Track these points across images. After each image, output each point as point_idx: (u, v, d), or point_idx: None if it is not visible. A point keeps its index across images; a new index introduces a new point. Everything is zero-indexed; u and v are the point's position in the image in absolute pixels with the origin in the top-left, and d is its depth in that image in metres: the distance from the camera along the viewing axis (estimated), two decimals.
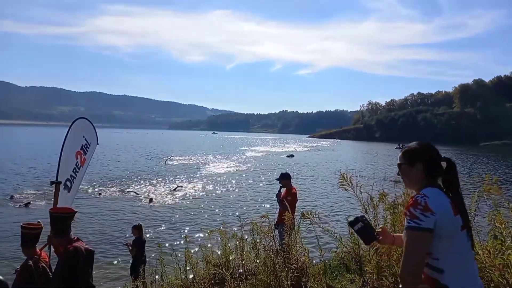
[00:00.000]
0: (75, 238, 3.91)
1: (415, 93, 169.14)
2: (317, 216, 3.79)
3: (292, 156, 51.35)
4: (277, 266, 3.82)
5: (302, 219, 3.95)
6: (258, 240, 4.29)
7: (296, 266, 3.91)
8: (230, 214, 15.20)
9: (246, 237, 5.37)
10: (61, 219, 3.85)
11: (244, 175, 28.48)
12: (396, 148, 77.04)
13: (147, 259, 7.23)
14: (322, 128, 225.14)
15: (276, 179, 6.61)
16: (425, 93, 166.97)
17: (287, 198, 6.01)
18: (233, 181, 24.86)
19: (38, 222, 4.55)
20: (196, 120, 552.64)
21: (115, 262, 9.54)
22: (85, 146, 7.61)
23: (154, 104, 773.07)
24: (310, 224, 3.88)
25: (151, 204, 16.98)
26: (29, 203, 15.85)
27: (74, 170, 7.18)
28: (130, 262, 7.23)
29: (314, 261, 4.81)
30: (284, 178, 6.66)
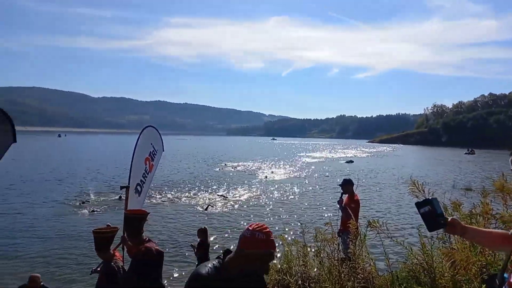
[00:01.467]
0: (147, 239, 4.15)
1: (486, 94, 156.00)
2: (385, 225, 3.64)
3: (351, 162, 49.96)
4: (342, 275, 3.73)
5: (369, 228, 3.82)
6: (322, 248, 4.22)
7: (362, 275, 3.79)
8: (290, 220, 15.14)
9: (309, 244, 5.31)
10: (135, 220, 4.11)
11: (301, 182, 28.24)
12: (465, 153, 71.62)
13: None
14: (383, 132, 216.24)
15: (339, 185, 6.45)
16: (497, 94, 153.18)
17: (351, 205, 5.84)
18: (291, 188, 24.75)
19: (108, 225, 4.85)
20: (253, 126, 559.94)
21: (180, 264, 9.93)
22: (153, 152, 8.07)
23: (213, 111, 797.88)
24: (377, 233, 3.74)
25: (209, 209, 17.43)
26: (99, 207, 17.03)
27: (144, 175, 7.64)
28: (196, 264, 7.48)
29: (380, 272, 4.62)
30: (347, 184, 6.48)
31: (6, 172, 25.03)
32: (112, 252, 4.48)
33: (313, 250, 4.88)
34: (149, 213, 4.55)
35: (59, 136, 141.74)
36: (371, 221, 3.73)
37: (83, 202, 17.76)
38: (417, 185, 3.53)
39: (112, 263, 4.31)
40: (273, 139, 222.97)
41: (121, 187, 5.92)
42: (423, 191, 3.51)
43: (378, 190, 24.13)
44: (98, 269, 4.65)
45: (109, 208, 16.66)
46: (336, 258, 4.03)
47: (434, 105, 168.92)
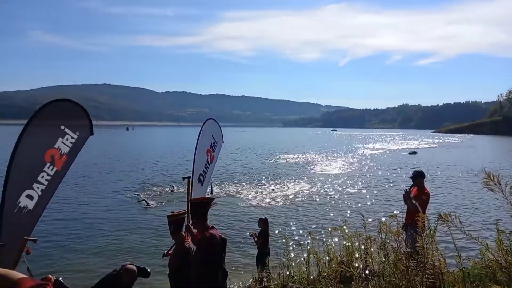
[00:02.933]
0: (211, 226, 4.34)
1: None
2: (457, 218, 3.43)
3: (414, 153, 47.40)
4: (409, 269, 3.59)
5: (439, 221, 3.62)
6: (386, 241, 4.09)
7: (431, 271, 3.62)
8: (350, 212, 14.83)
9: (372, 236, 5.17)
10: (201, 205, 4.31)
11: (360, 174, 27.43)
12: None
13: (271, 252, 7.54)
14: (450, 122, 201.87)
15: (410, 177, 6.15)
16: None
17: (422, 198, 5.56)
18: (350, 180, 24.15)
19: (173, 212, 5.16)
20: (310, 117, 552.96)
21: (240, 252, 10.19)
22: (214, 144, 8.36)
23: (269, 103, 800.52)
24: (448, 227, 3.53)
25: (261, 201, 17.59)
26: (156, 200, 17.81)
27: (205, 166, 7.96)
28: (256, 254, 7.63)
29: (450, 269, 4.38)
30: (419, 177, 6.17)
31: (80, 162, 27.21)
32: (184, 234, 4.75)
33: (376, 243, 4.73)
34: (214, 198, 4.74)
35: (127, 129, 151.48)
36: (442, 214, 3.53)
37: (141, 195, 17.91)
38: (492, 177, 3.26)
39: (186, 245, 4.57)
40: (334, 130, 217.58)
41: (183, 178, 6.21)
42: (499, 183, 3.24)
43: (447, 183, 22.67)
44: (170, 251, 4.97)
45: (166, 200, 16.87)
46: (402, 252, 3.88)
47: (510, 91, 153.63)
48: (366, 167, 31.70)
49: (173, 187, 19.61)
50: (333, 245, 6.19)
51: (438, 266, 3.89)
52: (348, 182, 23.15)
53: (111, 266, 7.86)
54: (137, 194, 18.08)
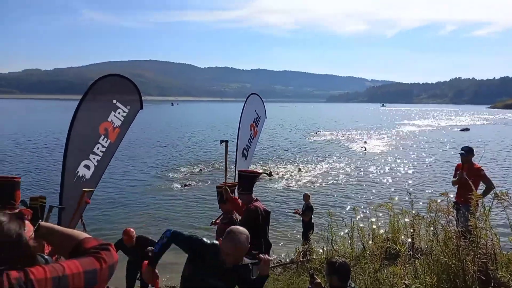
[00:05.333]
0: (255, 198, 4.42)
1: None
2: None
3: (467, 129, 44.72)
4: (460, 248, 3.46)
5: (495, 199, 3.44)
6: (436, 219, 3.96)
7: (483, 251, 3.47)
8: (396, 190, 14.42)
9: (420, 214, 5.03)
10: (249, 177, 4.40)
11: (408, 151, 26.43)
12: None
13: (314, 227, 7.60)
14: (507, 97, 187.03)
15: (460, 153, 5.83)
16: None
17: (472, 175, 5.28)
18: (396, 158, 23.37)
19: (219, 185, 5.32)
20: (354, 92, 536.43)
21: (284, 226, 10.35)
22: (257, 119, 8.40)
23: (312, 77, 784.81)
24: (504, 206, 3.35)
25: (309, 177, 17.53)
26: (193, 178, 18.22)
27: (249, 140, 8.05)
28: (302, 229, 7.70)
29: (504, 250, 4.17)
30: (469, 153, 5.83)
31: (126, 135, 28.35)
32: (225, 188, 4.89)
33: (424, 221, 4.60)
34: (261, 173, 4.83)
35: (172, 104, 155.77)
36: (499, 192, 3.34)
37: (179, 171, 17.72)
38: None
39: (232, 215, 4.72)
40: (383, 105, 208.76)
41: (221, 141, 6.33)
42: None
43: (502, 161, 21.32)
44: (217, 220, 5.18)
45: (201, 178, 16.54)
46: (453, 231, 3.75)
47: None
48: (414, 144, 30.48)
49: (203, 167, 19.14)
50: (378, 221, 6.10)
51: (491, 247, 3.73)
52: (394, 159, 22.44)
53: None
54: (175, 170, 18.12)
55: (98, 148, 5.04)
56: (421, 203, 9.28)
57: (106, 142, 5.10)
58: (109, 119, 5.16)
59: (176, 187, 14.88)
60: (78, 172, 4.90)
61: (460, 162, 5.87)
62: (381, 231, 6.04)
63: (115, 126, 5.21)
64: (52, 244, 1.47)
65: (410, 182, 16.28)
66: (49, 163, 19.02)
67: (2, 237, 1.17)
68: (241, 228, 2.60)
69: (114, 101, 5.24)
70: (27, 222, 1.30)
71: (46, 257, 1.62)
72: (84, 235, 1.40)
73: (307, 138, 34.26)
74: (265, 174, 15.95)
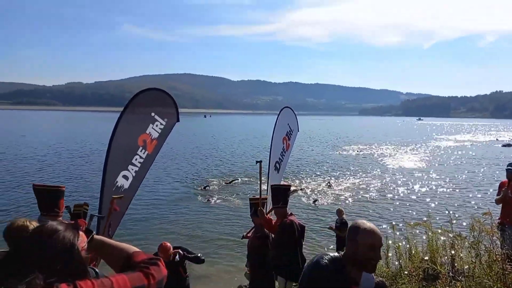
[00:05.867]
0: (290, 212, 4.40)
1: None
2: None
3: (509, 145, 42.46)
4: (505, 272, 3.27)
5: None
6: (479, 240, 3.76)
7: None
8: (434, 208, 13.81)
9: (460, 234, 4.80)
10: (282, 190, 4.40)
11: (447, 168, 25.43)
12: None
13: None
14: None
15: (506, 169, 5.47)
16: None
17: None
18: (434, 174, 22.53)
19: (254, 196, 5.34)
20: (388, 106, 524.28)
21: (317, 241, 10.18)
22: (289, 132, 8.40)
23: (344, 90, 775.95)
24: None
25: (343, 191, 17.20)
26: (236, 181, 18.33)
27: (281, 154, 8.04)
28: (335, 243, 7.55)
29: None
30: None
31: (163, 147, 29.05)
32: (260, 209, 4.90)
33: (466, 241, 4.39)
34: (290, 185, 4.81)
35: (205, 116, 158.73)
36: None
37: (206, 187, 17.29)
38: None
39: (264, 229, 4.72)
40: (419, 119, 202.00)
41: (256, 162, 6.37)
42: None
43: None
44: (249, 234, 5.19)
45: (230, 192, 16.33)
46: (498, 253, 3.55)
47: None
48: (452, 160, 29.27)
49: (238, 179, 19.17)
50: (415, 240, 5.87)
51: None
52: (431, 175, 21.59)
53: None
54: (205, 183, 18.02)
55: (136, 159, 5.19)
56: (461, 222, 8.86)
57: (144, 153, 5.26)
58: (147, 131, 5.32)
59: (207, 199, 14.97)
60: (117, 182, 5.06)
61: (506, 179, 5.55)
62: (419, 250, 5.81)
63: (152, 138, 5.37)
64: (104, 257, 1.47)
65: (449, 199, 15.59)
66: (88, 172, 19.83)
67: (57, 246, 1.18)
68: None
69: (153, 114, 5.41)
70: (81, 233, 1.31)
71: (96, 270, 1.66)
72: (133, 248, 1.41)
73: (339, 152, 33.74)
74: (296, 191, 15.79)
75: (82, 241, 1.28)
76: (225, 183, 18.19)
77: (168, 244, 5.29)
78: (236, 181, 18.64)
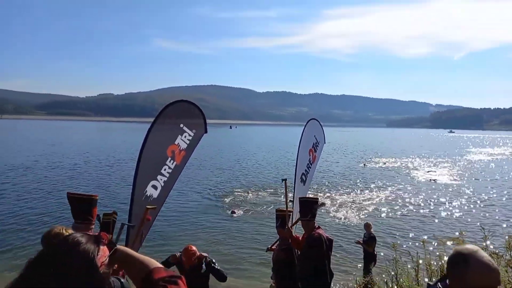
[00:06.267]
0: (318, 226, 4.35)
1: None
2: None
3: None
4: None
5: None
6: None
7: None
8: (467, 225, 13.28)
9: (497, 252, 4.59)
10: (310, 203, 4.36)
11: (479, 182, 24.45)
12: None
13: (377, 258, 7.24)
14: None
15: None
16: None
17: None
18: (466, 188, 21.71)
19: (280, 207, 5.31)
20: (417, 117, 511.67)
21: (344, 255, 9.96)
22: (316, 144, 8.32)
23: (371, 102, 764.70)
24: None
25: (369, 205, 16.83)
26: (255, 194, 18.34)
27: (308, 166, 7.97)
28: (363, 258, 7.37)
29: None
30: None
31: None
32: (288, 229, 4.87)
33: (503, 259, 4.19)
34: (318, 198, 4.77)
35: (230, 127, 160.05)
36: None
37: (229, 198, 17.22)
38: None
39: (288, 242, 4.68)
40: (451, 131, 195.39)
41: (282, 180, 6.34)
42: None
43: None
44: (273, 247, 5.15)
45: (254, 206, 16.00)
46: None
47: None
48: (486, 174, 28.12)
49: (259, 191, 18.96)
50: (447, 257, 5.66)
51: None
52: (464, 190, 20.78)
53: None
54: (228, 194, 17.94)
55: (165, 170, 5.29)
56: (496, 240, 8.45)
57: (172, 164, 5.35)
58: (176, 142, 5.43)
59: (231, 211, 14.89)
60: (146, 191, 5.16)
61: None
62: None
63: (181, 149, 5.47)
64: (126, 269, 1.44)
65: (483, 215, 14.95)
66: (117, 181, 20.36)
67: (75, 260, 1.15)
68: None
69: (181, 125, 5.52)
70: (102, 247, 1.26)
71: (121, 280, 1.65)
72: (155, 264, 1.37)
73: (365, 164, 33.10)
74: (324, 204, 15.49)
75: (102, 255, 1.23)
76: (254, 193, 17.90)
77: (194, 247, 4.89)
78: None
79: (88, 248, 1.18)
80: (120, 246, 1.42)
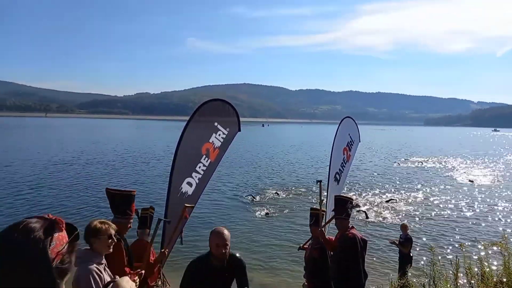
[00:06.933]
0: (352, 226, 4.30)
1: None
2: None
3: None
4: None
5: None
6: None
7: None
8: (510, 228, 12.61)
9: None
10: (345, 201, 4.33)
11: None
12: None
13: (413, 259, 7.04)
14: None
15: None
16: None
17: None
18: (508, 191, 20.56)
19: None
20: (456, 115, 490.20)
21: (378, 257, 9.76)
22: (350, 143, 8.20)
23: (408, 99, 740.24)
24: None
25: (406, 206, 16.36)
26: (286, 193, 18.21)
27: (342, 165, 7.86)
28: (398, 258, 7.21)
29: None
30: None
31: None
32: (320, 231, 4.86)
33: None
34: (352, 198, 4.72)
35: (263, 125, 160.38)
36: None
37: (261, 196, 17.01)
38: None
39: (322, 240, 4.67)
40: (495, 130, 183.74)
41: (317, 181, 6.31)
42: None
43: None
44: (306, 245, 5.15)
45: (288, 202, 16.11)
46: None
47: None
48: None
49: (290, 190, 18.63)
50: (489, 262, 5.40)
51: None
52: (504, 193, 19.65)
53: None
54: (260, 192, 17.88)
55: (199, 167, 5.40)
56: None
57: (207, 161, 5.46)
58: (210, 140, 5.53)
59: (263, 209, 14.82)
60: (181, 188, 5.30)
61: None
62: (493, 272, 5.34)
63: (215, 147, 5.56)
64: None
65: None
66: (153, 178, 20.98)
67: (26, 251, 1.00)
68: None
69: (216, 124, 5.61)
70: (58, 234, 1.10)
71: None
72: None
73: (402, 164, 32.10)
74: (358, 205, 15.13)
75: (58, 244, 1.08)
76: (281, 194, 17.51)
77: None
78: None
79: (40, 237, 1.03)
80: None
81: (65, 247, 1.09)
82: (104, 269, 2.88)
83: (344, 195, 4.87)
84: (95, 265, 2.78)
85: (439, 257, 6.18)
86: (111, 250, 2.95)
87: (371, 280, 7.93)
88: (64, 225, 1.14)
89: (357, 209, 14.54)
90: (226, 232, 3.23)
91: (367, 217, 13.97)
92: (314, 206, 5.19)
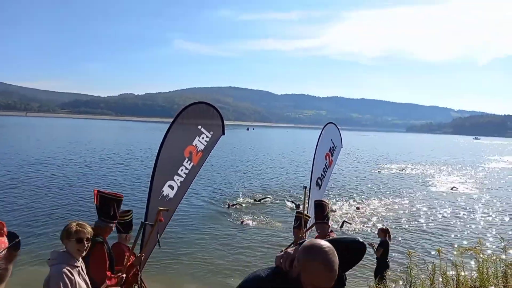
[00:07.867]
0: (330, 230, 4.37)
1: None
2: None
3: None
4: None
5: None
6: None
7: None
8: (485, 235, 12.87)
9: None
10: (323, 206, 4.40)
11: (503, 190, 23.78)
12: None
13: (390, 264, 7.17)
14: None
15: None
16: None
17: None
18: (485, 198, 21.15)
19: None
20: (438, 123, 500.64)
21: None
22: (332, 148, 8.31)
23: (391, 106, 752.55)
24: None
25: (384, 212, 16.62)
26: (266, 199, 18.26)
27: (324, 170, 7.96)
28: (375, 264, 7.32)
29: None
30: None
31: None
32: (303, 234, 4.91)
33: None
34: (328, 203, 4.79)
35: (248, 129, 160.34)
36: None
37: (238, 203, 16.44)
38: None
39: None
40: (476, 138, 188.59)
41: (304, 187, 6.38)
42: None
43: None
44: (289, 249, 5.20)
45: (266, 209, 15.84)
46: None
47: None
48: (508, 184, 27.30)
49: (269, 197, 18.14)
50: (464, 267, 5.55)
51: None
52: (485, 199, 20.17)
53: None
54: (239, 198, 17.61)
55: (182, 170, 5.37)
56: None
57: (189, 164, 5.44)
58: (193, 143, 5.51)
59: (241, 214, 14.59)
60: (163, 191, 5.25)
61: None
62: (467, 278, 5.49)
63: (198, 150, 5.55)
64: None
65: (503, 226, 14.54)
66: (133, 180, 20.66)
67: None
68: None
69: (199, 127, 5.60)
70: (0, 238, 1.04)
71: None
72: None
73: (382, 171, 32.61)
74: (333, 210, 15.20)
75: None
76: (255, 200, 17.23)
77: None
78: (267, 199, 17.46)
79: None
80: None
81: (2, 252, 1.06)
82: (79, 272, 2.83)
83: (324, 200, 4.94)
84: (68, 267, 2.74)
85: (416, 262, 6.31)
86: (83, 254, 2.89)
87: (350, 283, 8.03)
88: (5, 228, 1.10)
89: (331, 211, 14.62)
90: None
91: (333, 211, 14.37)
92: (300, 210, 5.25)
